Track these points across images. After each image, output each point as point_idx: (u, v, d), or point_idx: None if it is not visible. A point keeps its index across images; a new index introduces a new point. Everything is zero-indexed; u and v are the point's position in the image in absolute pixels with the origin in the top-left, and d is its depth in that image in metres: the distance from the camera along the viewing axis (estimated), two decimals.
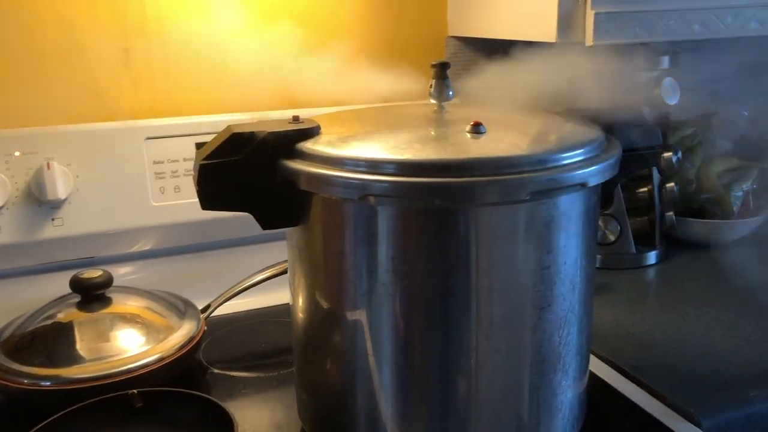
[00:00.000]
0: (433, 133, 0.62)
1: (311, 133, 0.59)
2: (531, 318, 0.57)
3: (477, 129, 0.57)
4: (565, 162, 0.54)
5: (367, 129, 0.64)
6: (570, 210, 0.57)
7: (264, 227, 0.60)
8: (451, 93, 0.65)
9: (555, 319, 0.58)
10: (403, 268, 0.56)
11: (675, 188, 1.09)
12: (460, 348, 0.57)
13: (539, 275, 0.56)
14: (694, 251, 1.13)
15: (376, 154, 0.55)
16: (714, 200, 1.16)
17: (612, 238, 1.08)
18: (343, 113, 0.71)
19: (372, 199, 0.54)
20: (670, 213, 1.11)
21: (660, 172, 1.10)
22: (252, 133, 0.57)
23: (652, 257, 1.10)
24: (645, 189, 1.10)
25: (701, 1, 0.90)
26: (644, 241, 1.10)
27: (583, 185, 0.55)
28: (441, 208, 0.54)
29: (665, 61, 1.04)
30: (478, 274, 0.55)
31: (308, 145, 0.57)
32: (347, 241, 0.57)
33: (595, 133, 0.61)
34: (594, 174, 0.55)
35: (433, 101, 0.66)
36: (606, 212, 1.07)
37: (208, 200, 0.58)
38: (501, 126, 0.62)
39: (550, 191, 0.54)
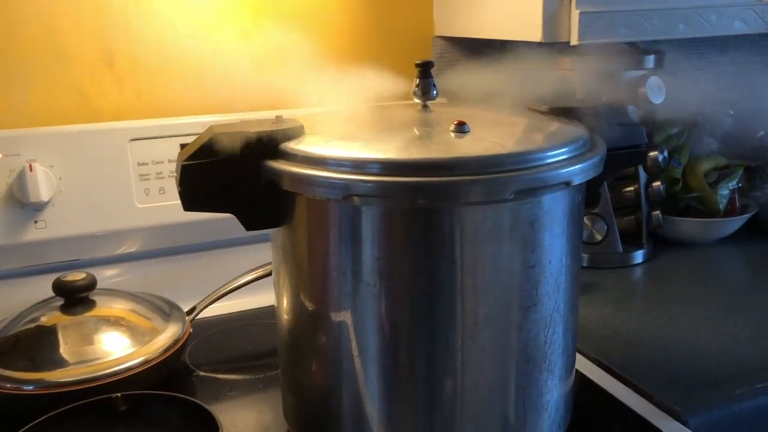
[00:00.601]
0: (417, 132, 0.61)
1: (294, 133, 0.59)
2: (516, 317, 0.57)
3: (461, 128, 0.57)
4: (549, 161, 0.54)
5: (351, 129, 0.64)
6: (554, 209, 0.57)
7: (248, 228, 0.59)
8: (435, 92, 0.65)
9: (540, 319, 0.58)
10: (387, 268, 0.55)
11: (661, 187, 1.10)
12: (446, 348, 0.57)
13: (524, 274, 0.56)
14: (680, 250, 1.14)
15: (359, 153, 0.55)
16: (700, 199, 1.16)
17: (599, 237, 1.08)
18: (326, 113, 0.71)
19: (356, 199, 0.54)
20: (657, 212, 1.11)
21: (646, 171, 1.10)
22: (234, 134, 0.57)
23: (639, 256, 1.10)
24: (631, 188, 1.10)
25: (686, 0, 0.91)
26: (631, 241, 1.10)
27: (567, 184, 0.55)
28: (425, 208, 0.54)
29: (650, 60, 1.04)
30: (462, 274, 0.55)
31: (291, 145, 0.57)
32: (331, 241, 0.57)
33: (579, 131, 0.61)
34: (578, 173, 0.55)
35: (417, 101, 0.66)
36: (593, 211, 1.07)
37: (190, 201, 0.58)
38: (485, 125, 0.62)
39: (534, 190, 0.54)
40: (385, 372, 0.58)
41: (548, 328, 0.59)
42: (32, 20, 0.92)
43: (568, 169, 0.54)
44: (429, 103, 0.66)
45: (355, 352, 0.58)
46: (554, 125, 0.64)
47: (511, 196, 0.52)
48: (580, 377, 0.76)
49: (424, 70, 0.64)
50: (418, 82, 0.65)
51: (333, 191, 0.54)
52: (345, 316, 0.58)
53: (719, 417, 0.71)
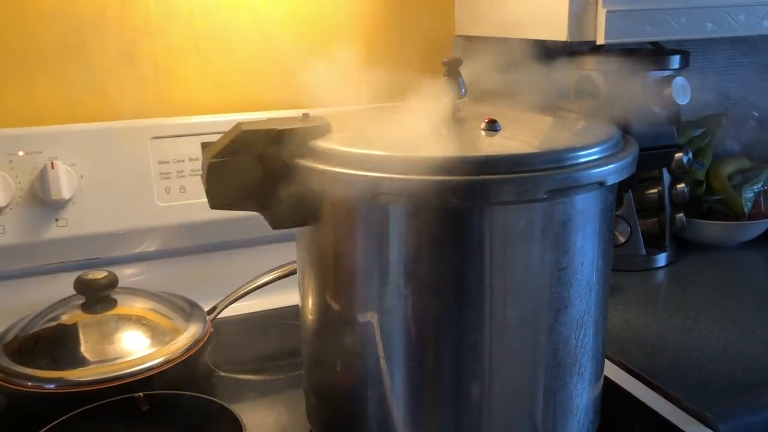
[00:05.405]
0: (446, 130, 0.60)
1: (322, 131, 0.58)
2: (547, 320, 0.56)
3: (492, 126, 0.56)
4: (583, 160, 0.53)
5: (379, 127, 0.63)
6: (587, 209, 0.55)
7: (274, 227, 0.59)
8: (463, 91, 0.64)
9: (571, 321, 0.57)
10: (415, 269, 0.55)
11: (685, 189, 1.08)
12: (474, 350, 0.56)
13: (556, 276, 0.55)
14: (704, 253, 1.12)
15: (388, 152, 0.54)
16: (724, 201, 1.15)
17: (622, 239, 1.06)
18: (353, 112, 0.70)
19: (384, 197, 0.53)
20: (681, 214, 1.10)
21: (670, 172, 1.09)
22: (262, 131, 0.56)
23: (662, 259, 1.08)
24: (655, 190, 1.09)
25: None
26: (654, 243, 1.09)
27: (600, 184, 0.54)
28: (455, 208, 0.53)
29: (675, 60, 1.03)
30: (492, 275, 0.54)
31: (319, 143, 0.56)
32: (359, 241, 0.56)
33: (611, 130, 0.59)
34: (612, 172, 0.54)
35: (444, 99, 0.65)
36: (616, 213, 1.06)
37: (216, 200, 0.57)
38: (515, 124, 0.61)
39: (567, 190, 0.53)
40: (411, 375, 0.57)
41: (579, 331, 0.58)
42: (54, 18, 0.92)
43: (602, 169, 0.53)
44: (456, 101, 0.65)
45: (381, 354, 0.57)
46: (584, 124, 0.63)
47: (545, 196, 0.51)
48: (606, 381, 0.75)
49: (453, 68, 0.63)
50: (445, 80, 0.64)
51: (361, 190, 0.53)
52: (371, 317, 0.57)
53: (750, 424, 0.69)
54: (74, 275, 0.77)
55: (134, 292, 0.82)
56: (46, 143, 0.88)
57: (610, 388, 0.75)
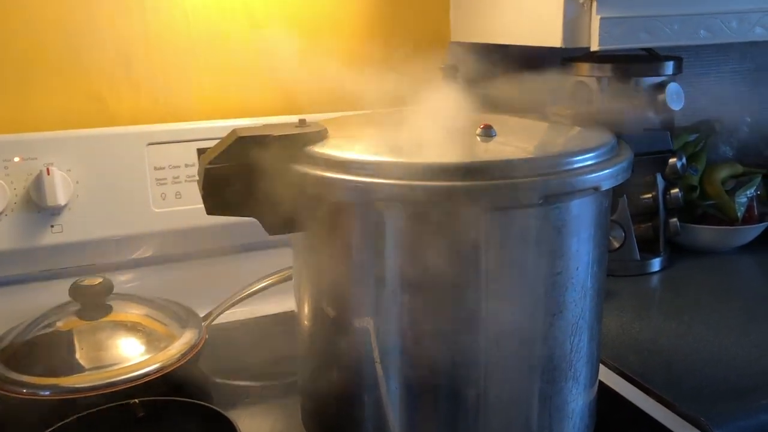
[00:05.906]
0: (441, 136, 0.61)
1: (318, 136, 0.58)
2: (542, 325, 0.56)
3: (487, 132, 0.57)
4: (578, 165, 0.54)
5: (374, 133, 0.63)
6: (582, 214, 0.56)
7: (270, 233, 0.59)
8: (459, 97, 0.64)
9: (566, 326, 0.57)
10: (411, 274, 0.55)
11: (679, 194, 1.09)
12: (470, 356, 0.56)
13: (551, 281, 0.55)
14: (698, 258, 1.12)
15: (384, 157, 0.54)
16: (718, 206, 1.15)
17: (616, 244, 1.07)
18: (348, 117, 0.71)
19: (380, 203, 0.53)
20: (674, 219, 1.10)
21: (664, 178, 1.09)
22: (258, 137, 0.56)
23: (656, 264, 1.09)
24: (649, 195, 1.09)
25: (707, 5, 0.90)
26: (648, 248, 1.09)
27: (595, 189, 0.54)
28: (451, 213, 0.53)
29: (669, 66, 1.03)
30: (488, 280, 0.54)
31: (315, 149, 0.56)
32: (354, 246, 0.56)
33: (606, 136, 0.60)
34: (607, 178, 0.54)
35: (440, 105, 0.65)
36: (610, 218, 1.06)
37: (213, 205, 0.57)
38: (510, 130, 0.62)
39: (562, 195, 0.53)
40: (407, 380, 0.57)
41: (574, 335, 0.58)
42: (50, 25, 0.92)
43: (596, 174, 0.54)
44: (451, 108, 0.65)
45: (377, 360, 0.57)
46: (579, 130, 0.64)
47: (540, 201, 0.52)
48: (601, 385, 0.75)
49: (450, 74, 0.63)
50: (442, 86, 0.64)
51: (357, 195, 0.54)
52: (367, 323, 0.57)
53: (745, 428, 0.70)
54: (69, 281, 0.77)
55: (129, 298, 0.82)
56: (41, 149, 0.88)
57: (604, 392, 0.75)
